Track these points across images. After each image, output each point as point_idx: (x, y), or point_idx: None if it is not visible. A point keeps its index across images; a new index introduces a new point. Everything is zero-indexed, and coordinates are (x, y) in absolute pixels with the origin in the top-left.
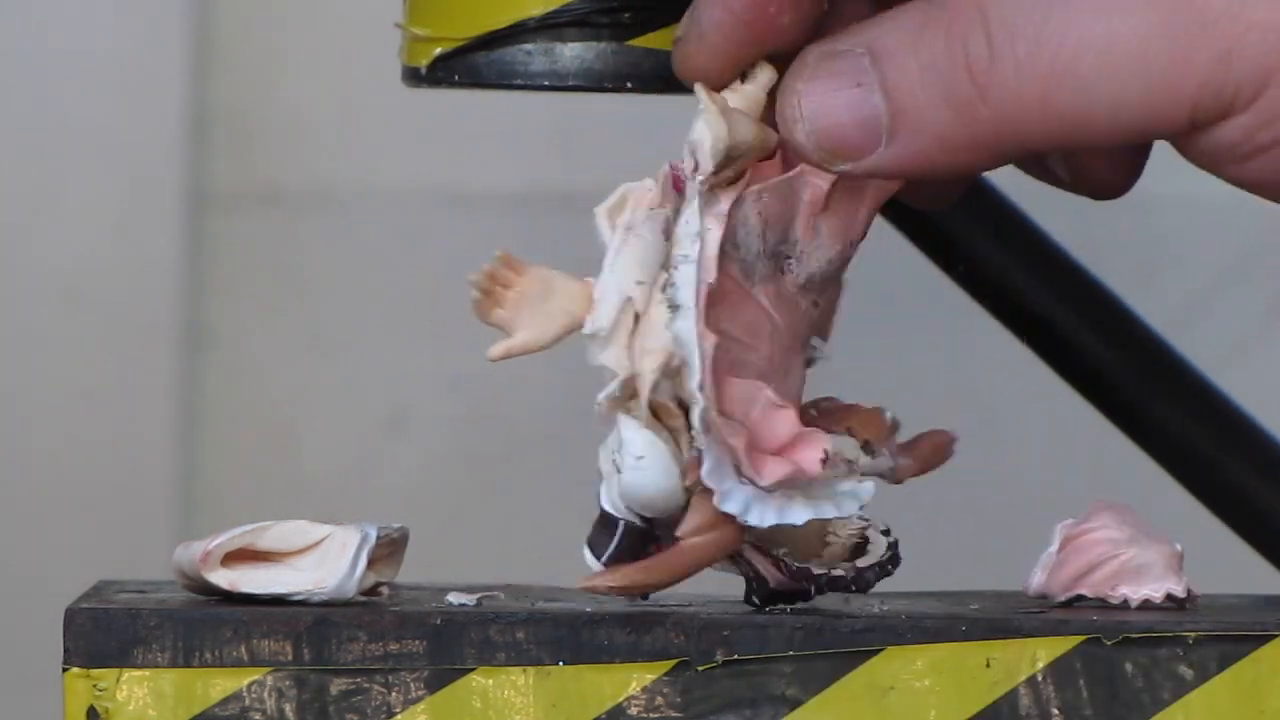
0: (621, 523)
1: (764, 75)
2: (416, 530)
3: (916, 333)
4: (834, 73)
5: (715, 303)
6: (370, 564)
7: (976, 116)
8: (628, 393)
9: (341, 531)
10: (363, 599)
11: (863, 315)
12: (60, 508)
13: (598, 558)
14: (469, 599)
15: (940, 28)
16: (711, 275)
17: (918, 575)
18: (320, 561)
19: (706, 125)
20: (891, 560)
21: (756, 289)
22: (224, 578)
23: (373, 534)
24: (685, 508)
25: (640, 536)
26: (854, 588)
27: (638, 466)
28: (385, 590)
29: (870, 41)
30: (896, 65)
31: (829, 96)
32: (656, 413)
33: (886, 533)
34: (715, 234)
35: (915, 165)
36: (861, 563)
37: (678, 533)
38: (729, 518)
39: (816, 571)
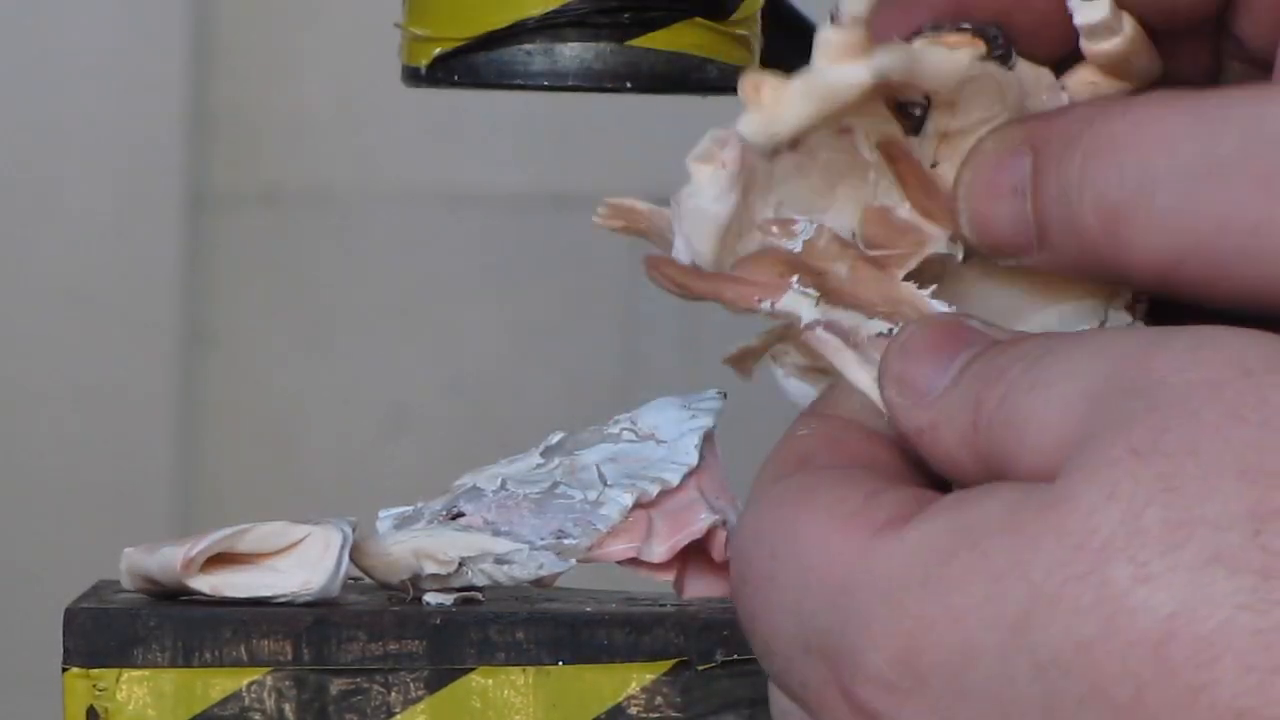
0: None
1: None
2: None
3: None
4: (998, 167)
5: None
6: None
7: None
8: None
9: (321, 530)
10: (362, 599)
11: None
12: (60, 508)
13: None
14: (446, 599)
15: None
16: None
17: None
18: (301, 561)
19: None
20: None
21: None
22: (205, 583)
23: (350, 531)
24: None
25: None
26: None
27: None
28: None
29: (1032, 138)
30: (1042, 175)
31: (986, 195)
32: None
33: None
34: None
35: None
36: None
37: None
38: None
39: None
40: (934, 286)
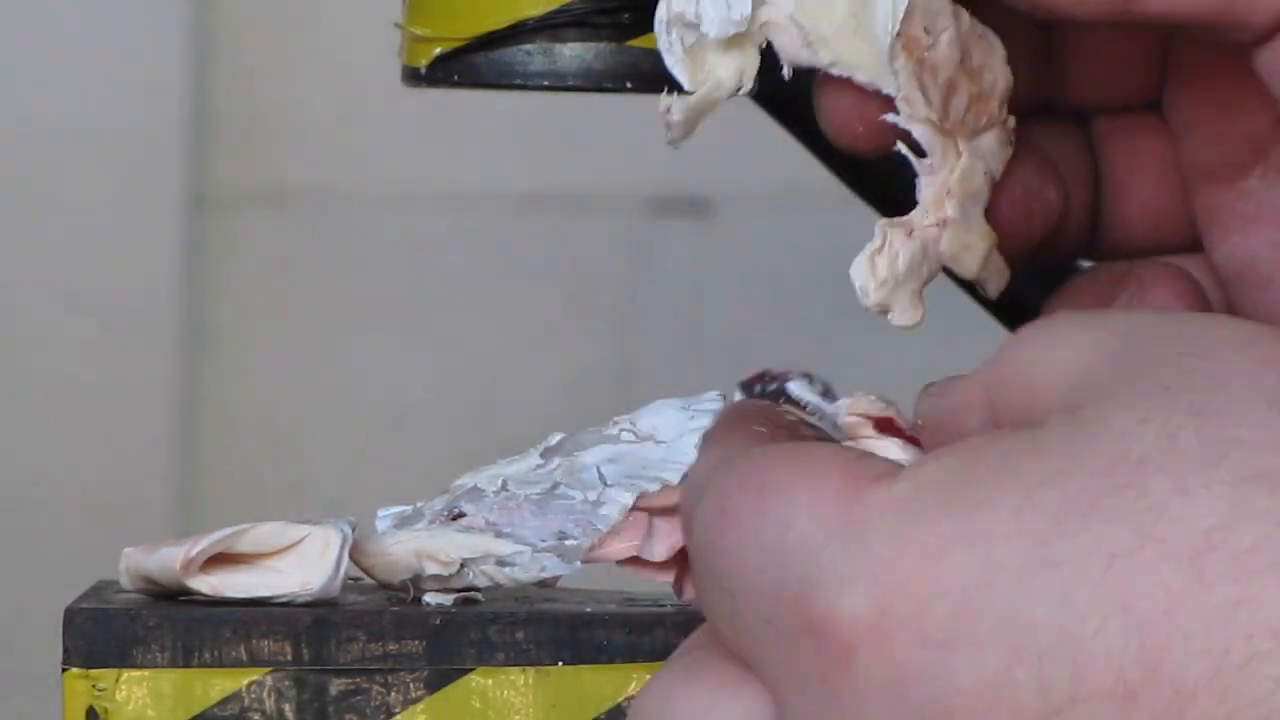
0: None
1: None
2: None
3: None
4: None
5: None
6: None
7: None
8: None
9: (321, 531)
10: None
11: (860, 312)
12: (60, 508)
13: None
14: (446, 599)
15: None
16: None
17: None
18: (300, 562)
19: None
20: None
21: None
22: (205, 583)
23: (350, 531)
24: None
25: None
26: None
27: None
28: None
29: None
30: None
31: None
32: None
33: None
34: None
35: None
36: None
37: None
38: None
39: None
40: None
